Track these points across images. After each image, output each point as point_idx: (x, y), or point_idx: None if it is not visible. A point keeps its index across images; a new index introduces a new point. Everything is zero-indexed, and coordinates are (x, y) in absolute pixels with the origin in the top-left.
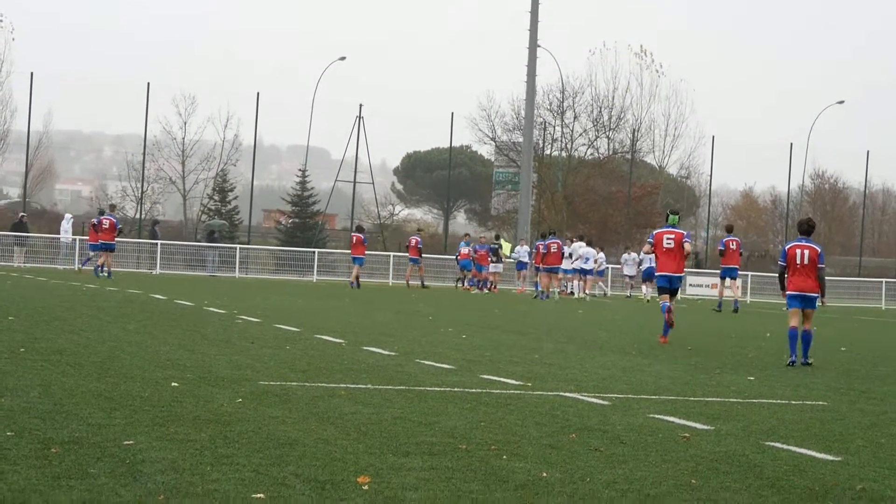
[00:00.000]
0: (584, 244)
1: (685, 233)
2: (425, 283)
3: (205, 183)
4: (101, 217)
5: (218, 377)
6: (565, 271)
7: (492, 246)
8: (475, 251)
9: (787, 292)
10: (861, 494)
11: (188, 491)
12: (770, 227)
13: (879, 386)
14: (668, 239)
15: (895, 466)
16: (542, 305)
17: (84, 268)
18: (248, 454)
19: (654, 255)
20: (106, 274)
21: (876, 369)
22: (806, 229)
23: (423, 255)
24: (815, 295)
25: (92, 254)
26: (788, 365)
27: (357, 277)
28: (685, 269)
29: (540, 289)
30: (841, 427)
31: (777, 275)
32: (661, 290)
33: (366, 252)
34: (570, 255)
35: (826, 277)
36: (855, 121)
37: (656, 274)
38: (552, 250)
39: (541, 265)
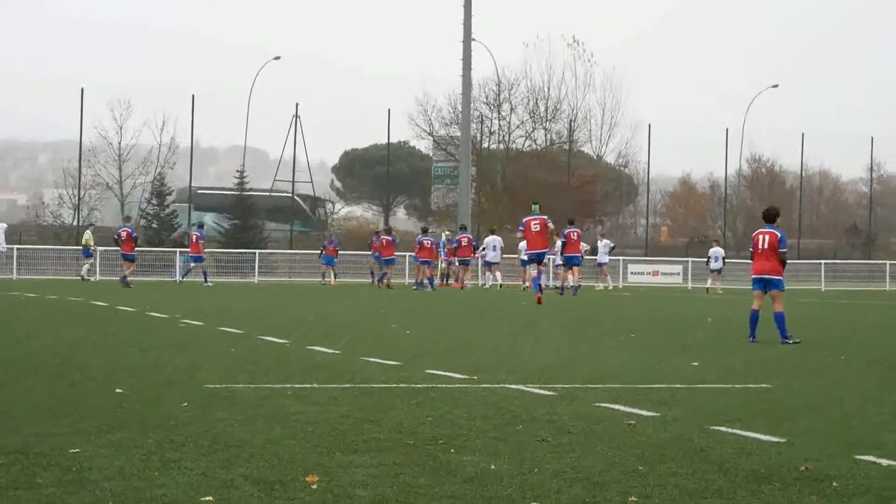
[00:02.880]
0: (496, 237)
1: (546, 217)
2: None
3: (142, 187)
4: (121, 229)
5: (163, 381)
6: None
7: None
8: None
9: (752, 275)
10: (805, 474)
11: (136, 497)
12: (709, 213)
13: (821, 367)
14: (534, 224)
15: (838, 446)
16: (484, 297)
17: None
18: (195, 458)
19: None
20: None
21: (819, 351)
22: (767, 216)
23: (347, 253)
24: (777, 278)
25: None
26: (750, 342)
27: (388, 279)
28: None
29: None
30: (785, 409)
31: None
32: (531, 262)
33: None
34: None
35: (787, 261)
36: (790, 103)
37: (527, 252)
38: (462, 244)
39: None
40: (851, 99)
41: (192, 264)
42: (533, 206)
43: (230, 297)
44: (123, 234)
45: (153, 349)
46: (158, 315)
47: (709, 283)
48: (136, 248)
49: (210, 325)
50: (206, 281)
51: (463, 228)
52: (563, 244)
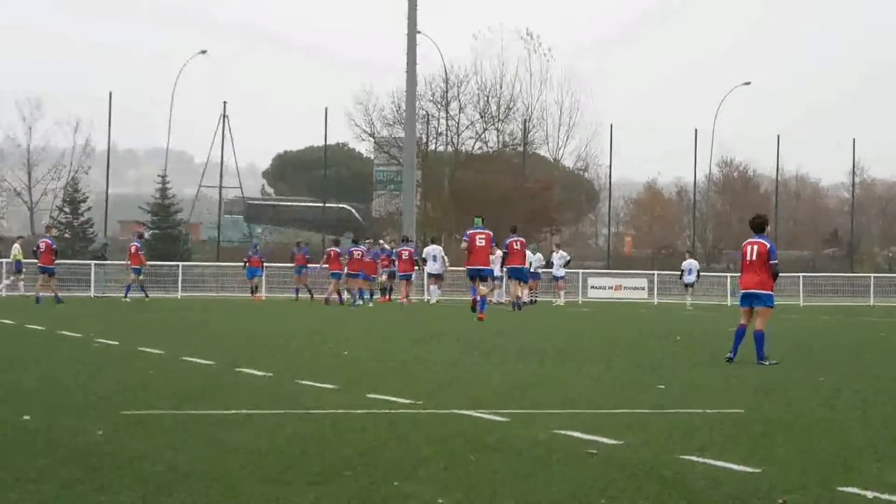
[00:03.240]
0: (435, 247)
1: (491, 233)
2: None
3: (54, 193)
4: (40, 240)
5: (75, 407)
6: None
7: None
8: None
9: (740, 290)
10: None
11: None
12: (676, 221)
13: (798, 390)
14: (480, 238)
15: (817, 477)
16: (428, 314)
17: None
18: (114, 493)
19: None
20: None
21: (795, 371)
22: (755, 225)
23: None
24: (765, 293)
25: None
26: (726, 360)
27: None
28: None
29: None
30: (760, 436)
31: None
32: (472, 278)
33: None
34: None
35: (779, 273)
36: (764, 103)
37: (469, 267)
38: (403, 257)
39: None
40: (830, 98)
41: (133, 276)
42: (476, 220)
43: (151, 313)
44: (43, 245)
45: (65, 371)
46: (70, 334)
47: (688, 300)
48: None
49: (127, 345)
50: (125, 296)
51: (405, 240)
52: (505, 255)
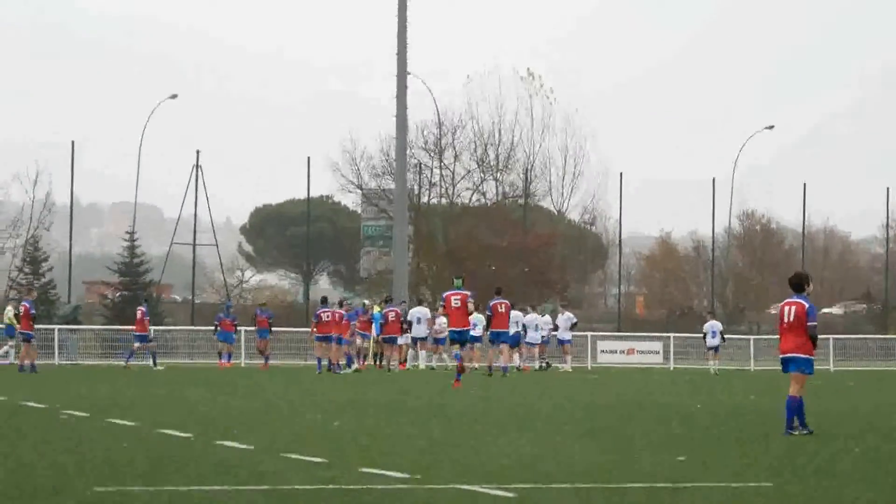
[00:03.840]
0: (422, 308)
1: (469, 293)
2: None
3: (12, 253)
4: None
5: (40, 485)
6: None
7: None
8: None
9: (780, 355)
10: None
11: None
12: (692, 279)
13: (832, 462)
14: (455, 299)
15: None
16: (419, 381)
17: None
18: None
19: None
20: (27, 369)
21: (828, 444)
22: (794, 284)
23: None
24: (803, 357)
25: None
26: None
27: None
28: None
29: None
30: None
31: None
32: (452, 342)
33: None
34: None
35: (818, 336)
36: (787, 150)
37: (449, 329)
38: (390, 319)
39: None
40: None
41: (137, 344)
42: (455, 281)
43: (120, 383)
44: (22, 309)
45: (29, 446)
46: (35, 405)
47: (711, 365)
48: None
49: (97, 417)
50: (154, 364)
51: (388, 301)
52: (489, 319)
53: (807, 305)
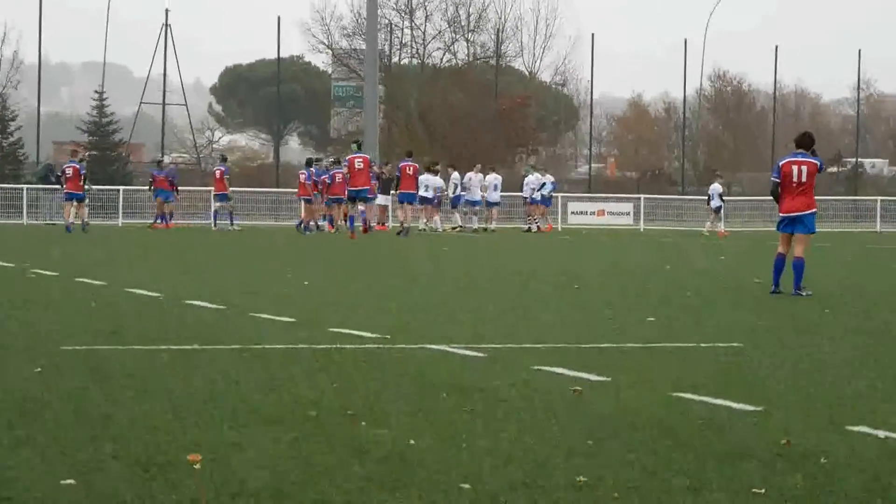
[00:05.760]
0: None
1: (369, 157)
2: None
3: None
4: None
5: (9, 344)
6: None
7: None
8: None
9: (780, 214)
10: (786, 450)
11: None
12: (664, 141)
13: (799, 323)
14: (358, 161)
15: (824, 416)
16: (400, 243)
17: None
18: (52, 434)
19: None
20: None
21: (795, 303)
22: (803, 142)
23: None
24: (811, 214)
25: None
26: (771, 293)
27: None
28: None
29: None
30: (760, 372)
31: (770, 193)
32: (352, 200)
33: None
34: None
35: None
36: (760, 9)
37: (349, 188)
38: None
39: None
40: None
41: (218, 204)
42: (352, 146)
43: (91, 242)
44: (70, 171)
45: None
46: (3, 264)
47: (718, 226)
48: None
49: (65, 276)
50: (231, 224)
51: (337, 162)
52: (398, 179)
53: (819, 163)
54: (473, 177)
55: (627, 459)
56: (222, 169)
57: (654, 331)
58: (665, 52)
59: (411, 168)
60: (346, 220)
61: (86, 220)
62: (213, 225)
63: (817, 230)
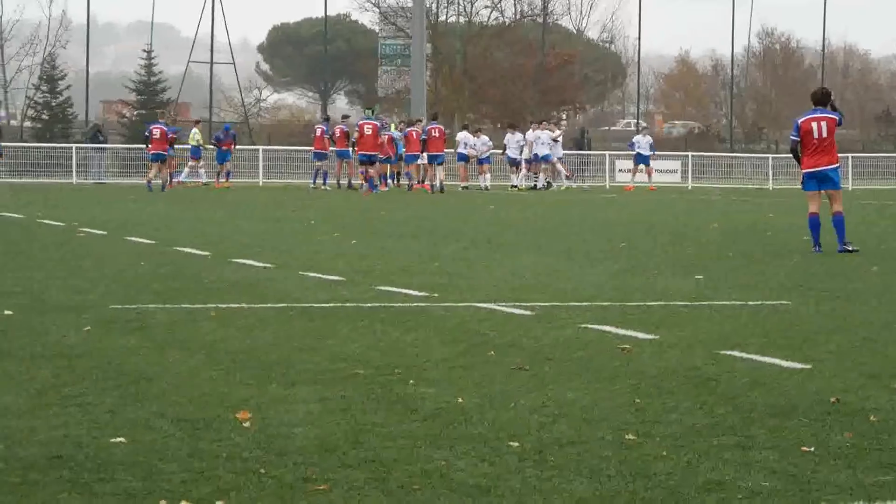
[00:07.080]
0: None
1: (378, 123)
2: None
3: (29, 71)
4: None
5: (58, 303)
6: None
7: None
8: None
9: (803, 171)
10: (834, 407)
11: (29, 438)
12: (712, 98)
13: (845, 283)
14: (367, 127)
15: (872, 373)
16: (438, 201)
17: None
18: (99, 392)
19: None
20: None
21: (844, 262)
22: (819, 98)
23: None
24: (836, 168)
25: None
26: (815, 252)
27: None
28: None
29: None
30: (806, 330)
31: (790, 152)
32: (362, 163)
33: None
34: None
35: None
36: None
37: (360, 153)
38: (434, 135)
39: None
40: None
41: (318, 163)
42: (366, 111)
43: (138, 202)
44: (157, 132)
45: (46, 263)
46: (53, 223)
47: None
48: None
49: (115, 235)
50: (324, 183)
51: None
52: (425, 142)
53: (837, 117)
54: (542, 134)
55: (675, 417)
56: (323, 127)
57: (701, 289)
58: (713, 9)
59: (437, 130)
60: (370, 180)
61: (171, 180)
62: (311, 182)
63: (862, 187)
